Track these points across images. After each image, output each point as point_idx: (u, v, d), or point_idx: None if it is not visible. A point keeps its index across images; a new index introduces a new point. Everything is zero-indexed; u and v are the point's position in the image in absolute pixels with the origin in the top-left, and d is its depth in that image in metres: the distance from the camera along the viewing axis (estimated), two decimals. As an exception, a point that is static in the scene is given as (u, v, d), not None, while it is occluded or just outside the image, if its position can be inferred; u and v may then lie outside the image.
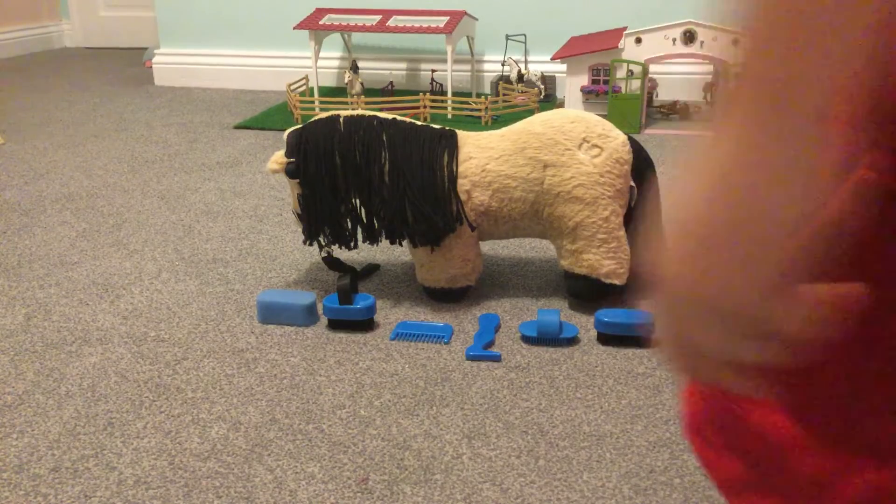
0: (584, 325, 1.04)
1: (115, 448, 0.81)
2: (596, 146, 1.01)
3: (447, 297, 1.11)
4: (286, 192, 1.60)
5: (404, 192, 1.03)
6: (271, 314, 1.06)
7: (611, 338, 0.99)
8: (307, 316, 1.05)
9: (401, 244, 1.10)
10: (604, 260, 1.04)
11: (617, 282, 1.05)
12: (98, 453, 0.80)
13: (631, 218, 1.06)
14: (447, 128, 1.07)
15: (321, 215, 1.08)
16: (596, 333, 1.01)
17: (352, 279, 1.16)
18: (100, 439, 0.82)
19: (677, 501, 0.72)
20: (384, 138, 1.03)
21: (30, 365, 0.97)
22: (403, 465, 0.78)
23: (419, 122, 1.08)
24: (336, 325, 1.04)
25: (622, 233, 1.04)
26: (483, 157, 1.04)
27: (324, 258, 1.15)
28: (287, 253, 1.30)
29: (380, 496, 0.73)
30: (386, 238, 1.08)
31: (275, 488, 0.75)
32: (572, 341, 1.00)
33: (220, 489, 0.75)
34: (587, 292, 1.07)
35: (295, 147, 1.05)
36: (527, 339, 1.01)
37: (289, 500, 0.73)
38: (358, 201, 1.08)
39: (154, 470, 0.78)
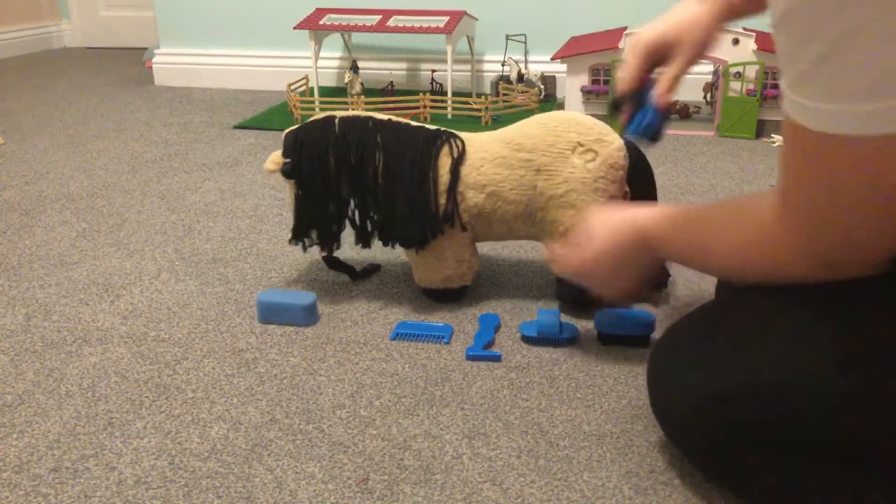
0: (584, 325, 1.04)
1: (115, 448, 0.81)
2: (591, 150, 1.00)
3: (444, 297, 1.11)
4: (286, 192, 1.60)
5: (395, 193, 1.02)
6: (271, 314, 1.06)
7: (611, 338, 0.99)
8: (307, 316, 1.05)
9: (393, 247, 1.10)
10: None
11: None
12: (98, 453, 0.80)
13: None
14: (443, 129, 1.06)
15: (313, 216, 1.08)
16: (596, 333, 1.01)
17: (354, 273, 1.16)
18: (100, 439, 0.82)
19: (677, 501, 0.72)
20: (378, 139, 1.03)
21: (30, 365, 0.97)
22: (403, 465, 0.78)
23: (415, 123, 1.07)
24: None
25: None
26: (477, 158, 1.03)
27: (324, 257, 1.15)
28: (287, 253, 1.30)
29: (380, 496, 0.73)
30: (379, 240, 1.08)
31: (275, 488, 0.75)
32: (572, 341, 1.00)
33: (220, 489, 0.75)
34: (575, 298, 1.07)
35: (290, 147, 1.05)
36: (527, 339, 1.01)
37: (289, 500, 0.73)
38: (353, 203, 1.08)
39: (154, 470, 0.78)
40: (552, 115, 1.04)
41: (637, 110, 0.92)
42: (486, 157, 1.03)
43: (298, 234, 1.10)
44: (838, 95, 0.50)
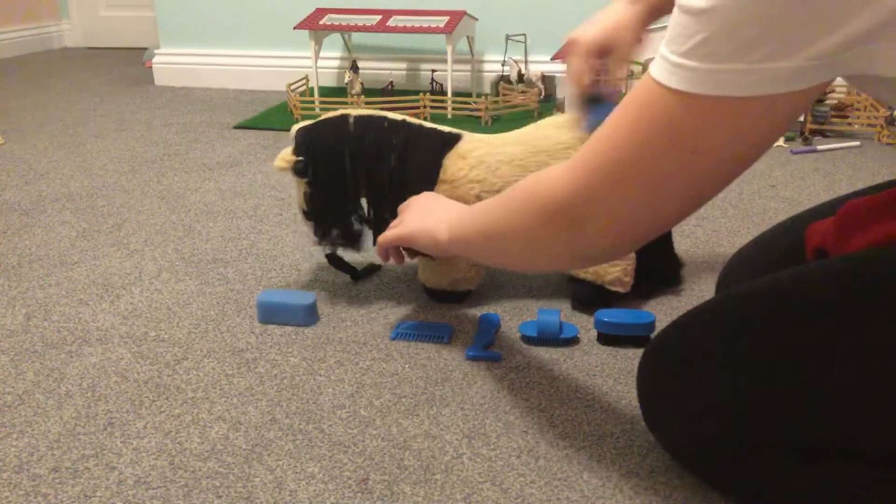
0: (584, 325, 1.04)
1: (115, 448, 0.81)
2: None
3: (447, 298, 1.11)
4: (286, 192, 1.60)
5: (408, 195, 1.02)
6: (271, 314, 1.06)
7: (611, 338, 0.99)
8: (307, 316, 1.05)
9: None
10: (609, 267, 1.03)
11: (621, 289, 1.05)
12: (98, 453, 0.80)
13: None
14: (454, 130, 1.06)
15: (334, 215, 1.08)
16: (596, 333, 1.01)
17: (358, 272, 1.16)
18: (100, 439, 0.82)
19: (677, 502, 0.72)
20: (393, 140, 1.03)
21: (30, 365, 0.97)
22: (403, 465, 0.78)
23: (429, 124, 1.07)
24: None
25: None
26: (494, 160, 1.03)
27: (327, 255, 1.14)
28: (287, 253, 1.30)
29: (380, 496, 0.73)
30: None
31: (275, 488, 0.75)
32: (572, 341, 1.00)
33: (220, 489, 0.75)
34: (591, 298, 1.07)
35: (303, 146, 1.04)
36: (527, 339, 1.01)
37: (289, 500, 0.73)
38: (366, 202, 1.08)
39: (154, 470, 0.78)
40: (567, 117, 1.04)
41: (592, 108, 0.96)
42: (503, 159, 1.03)
43: (323, 234, 1.10)
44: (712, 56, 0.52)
